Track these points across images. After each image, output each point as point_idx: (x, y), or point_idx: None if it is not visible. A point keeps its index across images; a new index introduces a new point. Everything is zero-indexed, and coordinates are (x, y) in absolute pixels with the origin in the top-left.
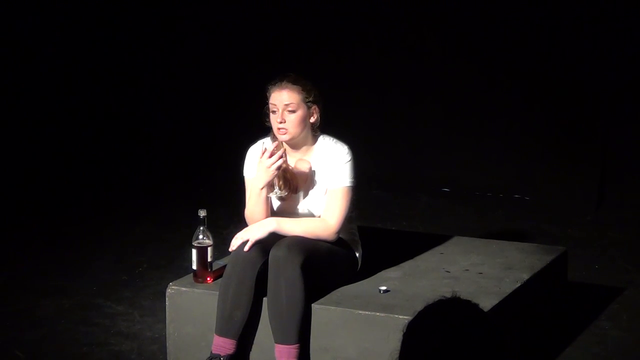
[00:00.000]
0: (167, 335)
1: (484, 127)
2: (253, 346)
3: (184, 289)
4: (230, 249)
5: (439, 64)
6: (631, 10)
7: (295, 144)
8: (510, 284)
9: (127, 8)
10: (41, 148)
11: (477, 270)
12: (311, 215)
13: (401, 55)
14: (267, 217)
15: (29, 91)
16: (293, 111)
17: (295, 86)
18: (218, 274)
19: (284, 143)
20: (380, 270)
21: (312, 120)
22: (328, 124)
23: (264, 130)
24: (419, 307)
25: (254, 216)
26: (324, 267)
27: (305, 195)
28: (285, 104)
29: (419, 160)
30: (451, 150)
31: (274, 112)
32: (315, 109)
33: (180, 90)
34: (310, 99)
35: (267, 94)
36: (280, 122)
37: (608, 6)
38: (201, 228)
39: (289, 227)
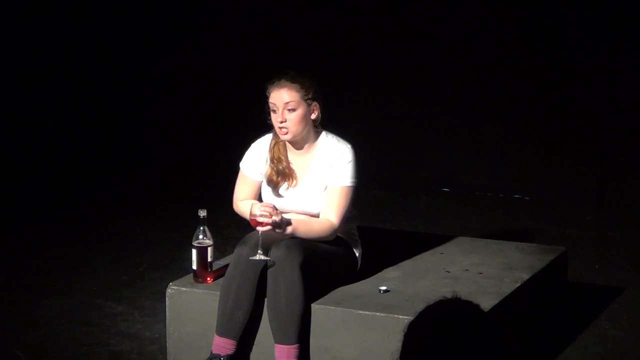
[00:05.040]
0: (167, 335)
1: (484, 128)
2: (253, 346)
3: (184, 289)
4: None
5: (439, 64)
6: (631, 9)
7: (297, 142)
8: (510, 284)
9: (127, 7)
10: (41, 148)
11: (477, 270)
12: (309, 211)
13: (401, 55)
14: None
15: (29, 89)
16: (293, 109)
17: (294, 84)
18: (218, 274)
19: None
20: (380, 270)
21: (313, 117)
22: (328, 123)
23: (264, 129)
24: (419, 307)
25: (239, 210)
26: (323, 267)
27: (304, 191)
28: (285, 102)
29: (419, 160)
30: (451, 150)
31: (274, 111)
32: (315, 105)
33: (180, 90)
34: (310, 95)
35: (267, 93)
36: (281, 122)
37: (608, 6)
38: (201, 228)
39: (302, 231)
